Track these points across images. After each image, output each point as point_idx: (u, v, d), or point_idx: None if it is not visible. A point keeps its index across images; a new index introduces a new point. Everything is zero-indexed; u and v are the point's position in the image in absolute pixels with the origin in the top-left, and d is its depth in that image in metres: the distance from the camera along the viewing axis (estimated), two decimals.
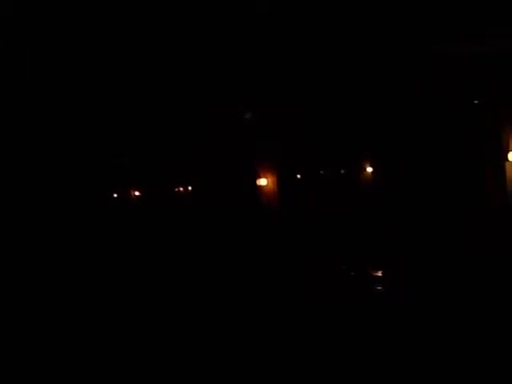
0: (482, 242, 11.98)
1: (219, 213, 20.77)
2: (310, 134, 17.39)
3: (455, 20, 11.63)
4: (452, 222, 13.08)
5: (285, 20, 12.04)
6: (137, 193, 28.22)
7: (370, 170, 17.27)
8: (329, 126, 16.87)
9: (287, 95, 15.85)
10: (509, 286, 9.90)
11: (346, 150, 17.10)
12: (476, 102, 13.80)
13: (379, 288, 11.29)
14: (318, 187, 18.38)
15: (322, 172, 18.77)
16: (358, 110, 15.86)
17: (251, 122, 18.57)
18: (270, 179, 19.86)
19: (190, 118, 18.71)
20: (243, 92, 15.99)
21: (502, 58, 12.49)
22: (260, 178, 19.96)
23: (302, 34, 12.44)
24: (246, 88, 15.66)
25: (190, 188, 26.80)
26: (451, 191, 13.88)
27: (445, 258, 11.78)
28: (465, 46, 12.41)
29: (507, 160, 12.61)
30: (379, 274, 12.05)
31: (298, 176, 19.67)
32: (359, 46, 12.86)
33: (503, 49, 12.31)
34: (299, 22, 12.03)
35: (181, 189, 27.28)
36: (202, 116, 18.37)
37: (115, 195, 27.07)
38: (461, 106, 14.09)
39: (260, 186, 19.94)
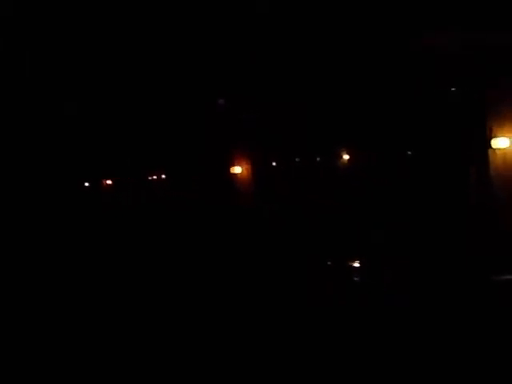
0: (464, 231, 11.73)
1: (194, 202, 20.49)
2: (285, 121, 17.05)
3: (436, 9, 11.52)
4: (434, 212, 12.78)
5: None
6: (109, 181, 27.79)
7: (346, 157, 16.90)
8: (305, 113, 16.54)
9: (263, 83, 15.66)
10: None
11: (323, 138, 16.77)
12: (453, 89, 13.58)
13: (357, 279, 11.03)
14: (294, 175, 18.02)
15: (297, 160, 18.41)
16: (335, 97, 15.55)
17: (225, 109, 18.36)
18: (244, 167, 19.54)
19: (164, 106, 18.49)
20: (219, 80, 15.87)
21: (484, 45, 12.22)
22: (234, 165, 19.71)
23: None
24: (223, 77, 15.59)
25: (163, 176, 26.53)
26: (434, 180, 13.61)
27: (427, 248, 11.51)
28: (447, 34, 12.23)
29: (490, 147, 12.30)
30: (357, 264, 11.75)
31: (274, 164, 19.29)
32: (340, 37, 12.91)
33: (487, 36, 12.11)
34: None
35: (154, 177, 26.95)
36: (177, 103, 18.19)
37: (86, 184, 26.77)
38: (443, 93, 13.89)
39: (234, 174, 19.68)
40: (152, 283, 12.48)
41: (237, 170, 19.56)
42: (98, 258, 14.89)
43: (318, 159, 17.74)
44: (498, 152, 12.21)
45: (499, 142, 12.19)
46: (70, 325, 9.94)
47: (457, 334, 8.05)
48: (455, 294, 9.30)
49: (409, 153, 14.67)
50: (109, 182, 27.61)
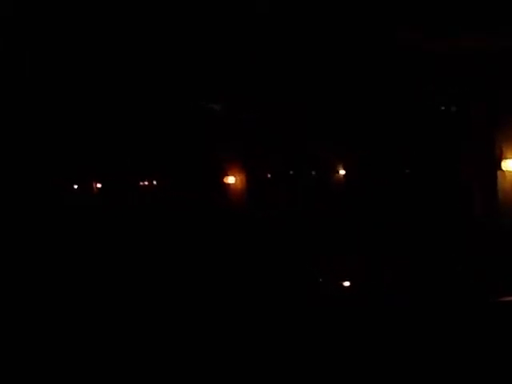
0: (468, 253, 11.10)
1: (184, 212, 19.94)
2: (280, 133, 16.61)
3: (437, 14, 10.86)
4: (436, 233, 12.15)
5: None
6: (99, 185, 27.53)
7: (342, 172, 16.42)
8: (300, 125, 16.11)
9: (261, 92, 15.40)
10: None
11: (319, 150, 16.26)
12: (454, 109, 13.47)
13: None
14: (288, 187, 17.46)
15: (291, 172, 17.91)
16: (331, 110, 15.19)
17: (220, 116, 17.93)
18: (238, 177, 19.08)
19: (159, 113, 18.43)
20: (216, 86, 15.62)
21: (495, 56, 11.52)
22: (228, 175, 19.26)
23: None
24: (220, 83, 15.28)
25: (155, 183, 26.26)
26: (437, 201, 13.10)
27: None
28: (456, 42, 11.49)
29: (500, 169, 11.55)
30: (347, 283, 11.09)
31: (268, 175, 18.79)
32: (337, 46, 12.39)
33: (496, 45, 11.38)
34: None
35: (146, 183, 26.71)
36: (171, 111, 18.21)
37: (75, 186, 26.70)
38: (451, 110, 13.46)
39: (228, 184, 19.17)
40: (137, 288, 11.94)
41: (230, 180, 19.19)
42: (85, 258, 14.57)
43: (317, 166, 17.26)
44: (507, 174, 11.46)
45: (510, 164, 11.44)
46: (64, 326, 9.57)
47: (455, 336, 7.80)
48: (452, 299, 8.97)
49: (407, 170, 14.24)
50: (99, 185, 27.39)
